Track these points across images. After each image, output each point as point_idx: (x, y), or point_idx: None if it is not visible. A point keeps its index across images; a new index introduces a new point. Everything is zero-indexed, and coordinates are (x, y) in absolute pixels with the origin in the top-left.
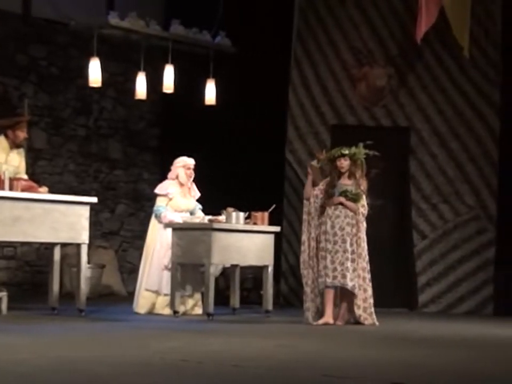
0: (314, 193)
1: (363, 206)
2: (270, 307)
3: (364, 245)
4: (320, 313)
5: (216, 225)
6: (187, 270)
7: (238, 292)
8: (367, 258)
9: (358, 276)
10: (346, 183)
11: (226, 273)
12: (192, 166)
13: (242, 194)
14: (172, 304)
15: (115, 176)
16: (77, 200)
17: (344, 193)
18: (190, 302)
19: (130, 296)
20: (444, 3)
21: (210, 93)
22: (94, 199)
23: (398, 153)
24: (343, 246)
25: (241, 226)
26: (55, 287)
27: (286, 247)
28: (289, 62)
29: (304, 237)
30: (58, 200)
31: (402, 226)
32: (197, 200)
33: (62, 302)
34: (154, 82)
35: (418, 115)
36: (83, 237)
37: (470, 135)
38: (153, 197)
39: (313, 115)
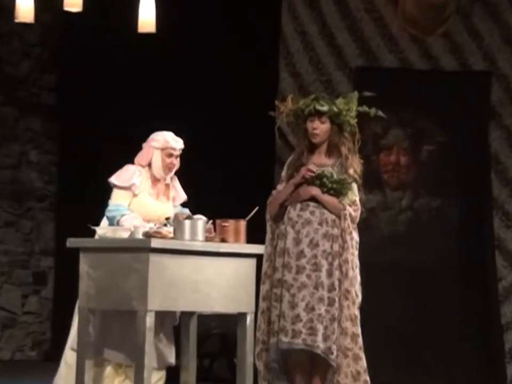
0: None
1: (354, 204)
2: None
3: (354, 274)
4: None
5: (155, 243)
6: (120, 320)
7: (194, 359)
8: (359, 299)
9: (343, 333)
10: (323, 162)
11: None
12: (177, 152)
13: (202, 188)
14: (77, 380)
15: None
16: None
17: (319, 180)
18: (125, 376)
19: (5, 364)
20: None
21: (146, 13)
22: None
23: (470, 118)
24: (315, 277)
25: (200, 244)
26: None
27: None
28: None
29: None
30: None
31: (476, 243)
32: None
33: None
34: None
35: (505, 51)
36: None
37: None
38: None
39: (324, 52)
